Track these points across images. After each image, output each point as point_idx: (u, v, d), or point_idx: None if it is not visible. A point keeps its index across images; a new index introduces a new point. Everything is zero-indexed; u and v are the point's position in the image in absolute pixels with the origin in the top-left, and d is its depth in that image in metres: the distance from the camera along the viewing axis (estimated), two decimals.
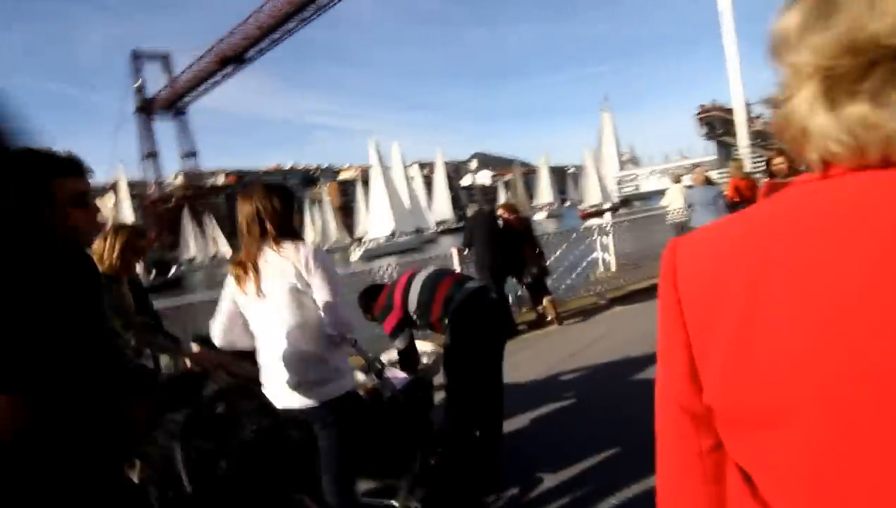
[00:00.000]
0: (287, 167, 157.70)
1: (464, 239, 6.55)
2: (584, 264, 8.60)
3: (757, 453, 0.44)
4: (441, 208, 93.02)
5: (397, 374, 3.06)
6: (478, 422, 3.08)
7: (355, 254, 61.41)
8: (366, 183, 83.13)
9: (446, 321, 2.96)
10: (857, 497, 0.36)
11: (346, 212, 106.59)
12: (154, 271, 66.02)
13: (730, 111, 21.52)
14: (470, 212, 7.98)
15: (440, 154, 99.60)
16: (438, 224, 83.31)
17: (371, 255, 57.45)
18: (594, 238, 8.87)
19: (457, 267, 6.49)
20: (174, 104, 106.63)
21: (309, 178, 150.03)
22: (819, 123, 0.40)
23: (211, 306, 2.72)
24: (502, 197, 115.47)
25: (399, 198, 70.41)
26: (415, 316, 3.08)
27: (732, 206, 6.65)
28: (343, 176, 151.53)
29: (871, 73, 0.37)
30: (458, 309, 2.94)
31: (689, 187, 8.19)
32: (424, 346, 3.53)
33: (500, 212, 6.72)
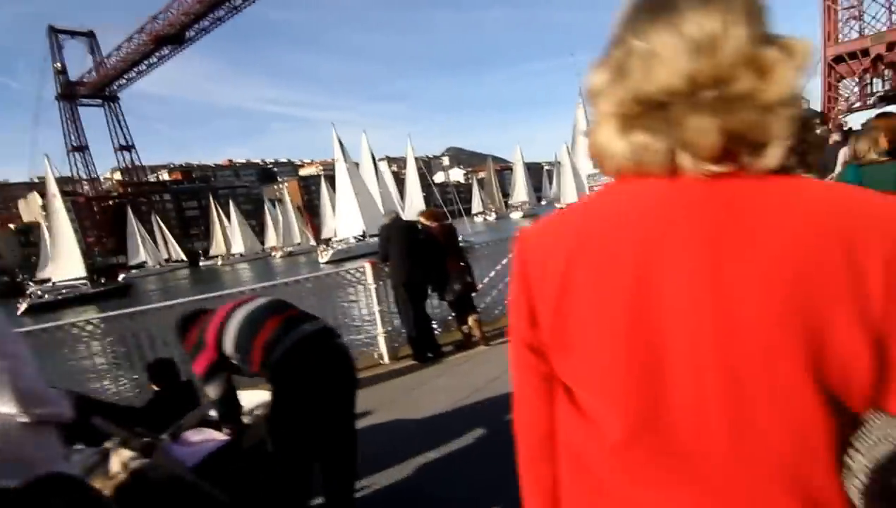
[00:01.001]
0: (241, 161, 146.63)
1: (379, 251, 5.88)
2: None
3: (568, 369, 0.68)
4: (415, 206, 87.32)
5: (212, 437, 2.51)
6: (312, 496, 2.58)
7: (324, 257, 55.78)
8: (331, 179, 78.12)
9: (269, 371, 2.43)
10: (616, 394, 0.62)
11: (311, 211, 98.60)
12: (97, 278, 60.17)
13: None
14: (386, 219, 6.25)
15: (411, 148, 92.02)
16: None
17: (341, 257, 53.32)
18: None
19: (370, 283, 5.97)
20: (103, 89, 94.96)
21: (267, 174, 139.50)
22: (616, 147, 0.62)
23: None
24: (476, 194, 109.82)
25: (369, 195, 64.00)
26: (234, 361, 2.51)
27: None
28: (305, 171, 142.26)
29: (648, 115, 0.60)
30: (285, 357, 2.37)
31: None
32: (259, 395, 2.79)
33: (421, 219, 6.10)
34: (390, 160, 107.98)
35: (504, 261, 6.90)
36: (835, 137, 6.19)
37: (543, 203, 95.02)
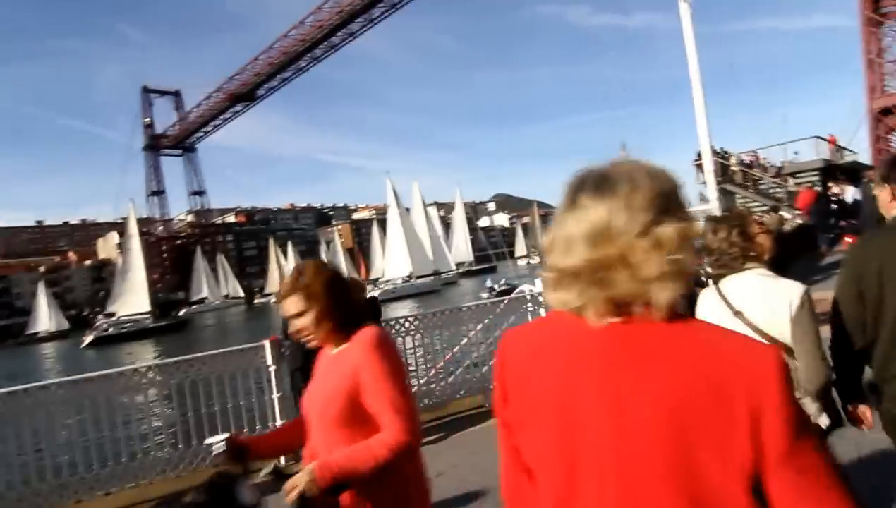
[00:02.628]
0: (302, 205, 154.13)
1: (282, 325, 4.15)
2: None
3: (523, 443, 0.88)
4: (461, 250, 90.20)
5: None
6: None
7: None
8: (382, 223, 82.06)
9: None
10: (550, 469, 0.82)
11: (361, 253, 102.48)
12: (160, 313, 63.64)
13: (726, 156, 19.58)
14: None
15: (459, 194, 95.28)
16: (458, 265, 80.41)
17: (387, 298, 55.54)
18: (526, 308, 6.32)
19: (269, 364, 4.75)
20: (183, 141, 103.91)
21: (323, 217, 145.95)
22: (552, 296, 0.84)
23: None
24: (520, 238, 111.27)
25: (417, 238, 67.27)
26: None
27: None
28: (358, 215, 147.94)
29: (566, 281, 0.80)
30: None
31: None
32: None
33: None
34: (438, 205, 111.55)
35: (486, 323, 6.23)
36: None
37: None
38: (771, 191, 19.48)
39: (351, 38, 77.69)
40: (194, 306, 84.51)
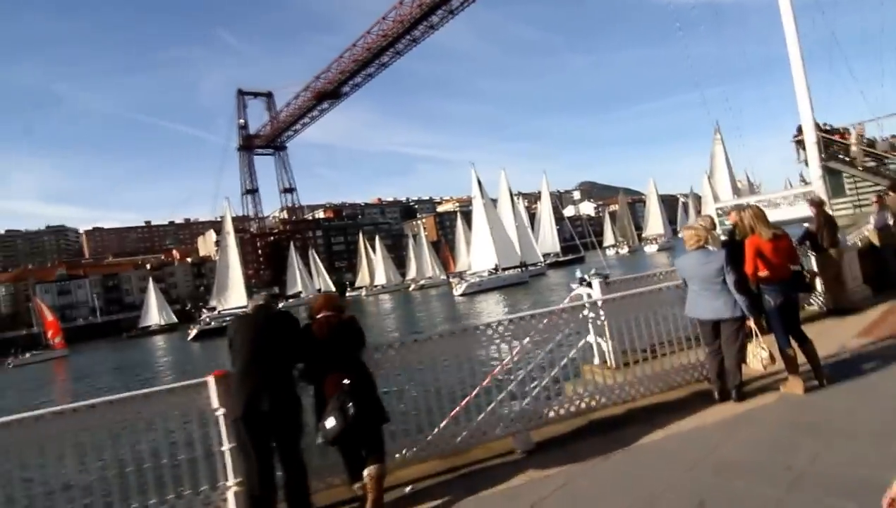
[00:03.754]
0: (389, 200, 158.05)
1: (230, 354, 3.60)
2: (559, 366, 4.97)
3: None
4: (547, 240, 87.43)
5: None
6: None
7: (458, 290, 57.91)
8: (466, 215, 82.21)
9: None
10: None
11: (448, 245, 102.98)
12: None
13: (832, 131, 17.27)
14: (252, 304, 4.02)
15: (545, 183, 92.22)
16: (545, 256, 78.16)
17: (474, 290, 56.26)
18: (586, 317, 4.98)
19: (216, 409, 3.56)
20: (274, 140, 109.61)
21: (408, 211, 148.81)
22: None
23: None
24: (608, 227, 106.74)
25: (503, 230, 66.23)
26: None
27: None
28: (442, 208, 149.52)
29: None
30: None
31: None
32: None
33: (317, 309, 3.87)
34: (523, 196, 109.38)
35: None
36: None
37: (680, 235, 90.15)
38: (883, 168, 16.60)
39: (431, 31, 77.99)
40: (290, 300, 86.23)
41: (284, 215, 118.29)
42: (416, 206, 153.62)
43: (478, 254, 64.81)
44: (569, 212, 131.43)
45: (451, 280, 70.15)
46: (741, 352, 4.35)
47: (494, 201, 69.43)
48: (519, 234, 69.78)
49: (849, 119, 17.49)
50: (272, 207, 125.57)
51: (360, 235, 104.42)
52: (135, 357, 45.62)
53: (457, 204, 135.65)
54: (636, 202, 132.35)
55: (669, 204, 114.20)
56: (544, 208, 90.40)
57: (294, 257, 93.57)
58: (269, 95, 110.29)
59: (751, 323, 4.29)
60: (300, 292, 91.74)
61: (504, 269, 62.11)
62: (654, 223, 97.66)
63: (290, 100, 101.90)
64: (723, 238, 5.72)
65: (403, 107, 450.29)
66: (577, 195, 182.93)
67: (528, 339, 4.59)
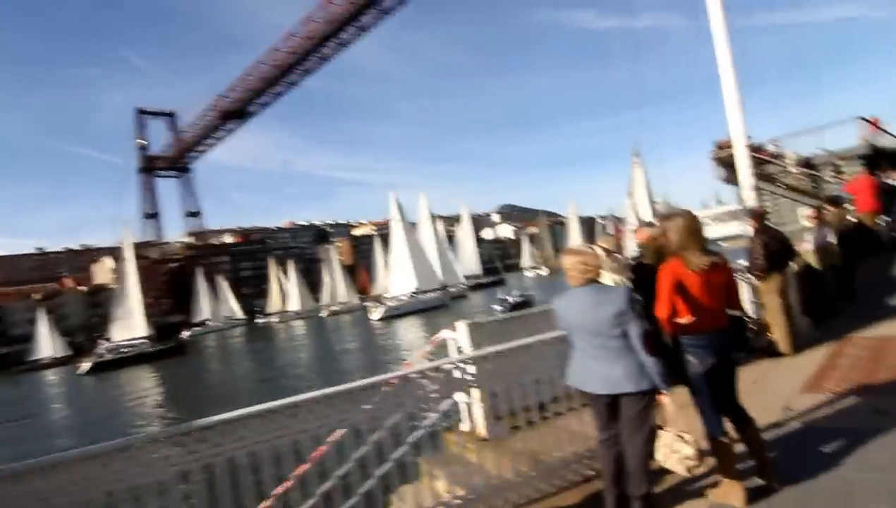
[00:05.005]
0: (302, 223, 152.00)
1: None
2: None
3: None
4: (468, 262, 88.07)
5: None
6: None
7: (375, 314, 55.70)
8: (383, 238, 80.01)
9: None
10: None
11: (361, 270, 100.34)
12: (159, 337, 60.95)
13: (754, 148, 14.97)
14: None
15: (466, 207, 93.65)
16: (468, 278, 78.34)
17: (394, 314, 54.25)
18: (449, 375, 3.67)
19: None
20: (177, 162, 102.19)
21: (322, 235, 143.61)
22: None
23: None
24: (526, 250, 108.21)
25: (422, 252, 64.93)
26: None
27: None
28: (358, 231, 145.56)
29: None
30: None
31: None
32: None
33: None
34: (442, 218, 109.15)
35: None
36: None
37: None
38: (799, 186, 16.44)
39: (343, 48, 75.78)
40: (197, 328, 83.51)
41: (189, 240, 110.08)
42: (331, 230, 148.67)
43: (396, 277, 62.81)
44: (487, 234, 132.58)
45: (366, 304, 68.11)
46: (649, 445, 2.79)
47: (413, 225, 68.19)
48: (440, 257, 68.84)
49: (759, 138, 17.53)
50: (177, 232, 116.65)
51: (272, 260, 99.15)
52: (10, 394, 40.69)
53: (374, 227, 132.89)
54: (556, 224, 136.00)
55: (590, 225, 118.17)
56: (465, 231, 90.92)
57: (201, 283, 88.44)
58: (171, 115, 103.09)
59: (665, 399, 2.71)
60: (207, 319, 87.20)
61: (424, 292, 60.22)
62: (575, 244, 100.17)
63: (193, 121, 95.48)
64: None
65: (322, 129, 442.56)
66: (495, 218, 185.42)
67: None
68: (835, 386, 4.26)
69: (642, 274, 3.69)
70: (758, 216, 6.17)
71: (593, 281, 2.81)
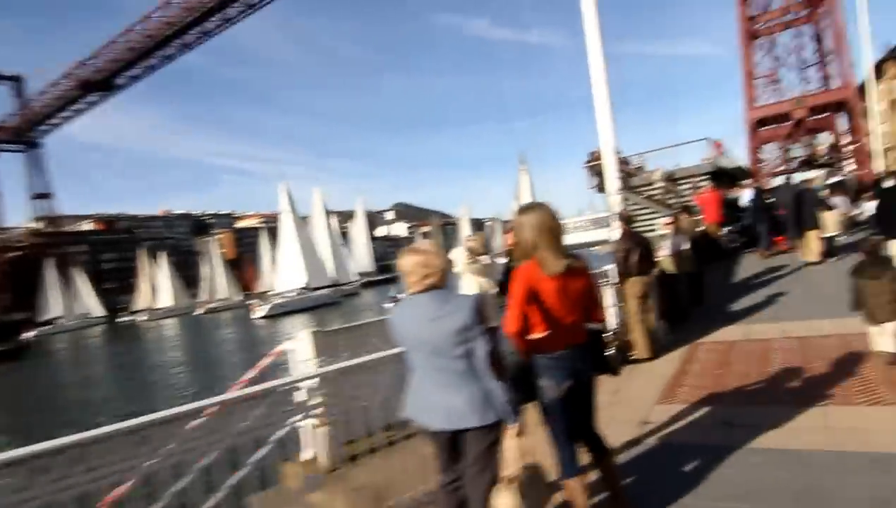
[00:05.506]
0: (180, 212, 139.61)
1: None
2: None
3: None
4: (362, 259, 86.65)
5: None
6: None
7: (258, 312, 52.18)
8: (272, 231, 75.12)
9: None
10: None
11: (245, 265, 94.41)
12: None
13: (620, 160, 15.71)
14: None
15: (361, 203, 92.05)
16: (362, 275, 77.06)
17: (279, 312, 51.11)
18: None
19: None
20: (22, 134, 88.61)
21: (201, 226, 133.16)
22: None
23: None
24: None
25: (313, 248, 62.27)
26: None
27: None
28: (243, 223, 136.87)
29: None
30: None
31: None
32: None
33: None
34: (335, 214, 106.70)
35: None
36: None
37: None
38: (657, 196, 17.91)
39: (227, 24, 70.48)
40: (47, 327, 73.42)
41: (37, 226, 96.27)
42: (212, 221, 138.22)
43: (285, 272, 59.57)
44: (381, 231, 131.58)
45: (249, 301, 63.78)
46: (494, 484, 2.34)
47: (305, 219, 65.34)
48: (332, 253, 66.78)
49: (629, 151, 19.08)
50: (21, 217, 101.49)
51: (140, 251, 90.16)
52: None
53: (261, 219, 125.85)
54: (448, 225, 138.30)
55: (480, 227, 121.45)
56: (359, 227, 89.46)
57: (51, 276, 78.27)
58: (16, 79, 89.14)
59: (510, 433, 2.26)
60: (58, 317, 77.62)
61: (314, 289, 57.82)
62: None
63: (44, 88, 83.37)
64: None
65: (208, 113, 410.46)
66: (390, 215, 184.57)
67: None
68: (688, 396, 4.41)
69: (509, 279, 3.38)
70: (625, 219, 6.43)
71: (435, 286, 2.32)
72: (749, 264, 10.77)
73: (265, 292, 64.66)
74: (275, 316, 50.76)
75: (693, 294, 7.88)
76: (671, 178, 18.35)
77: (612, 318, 6.02)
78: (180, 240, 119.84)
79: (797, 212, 9.65)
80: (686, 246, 7.84)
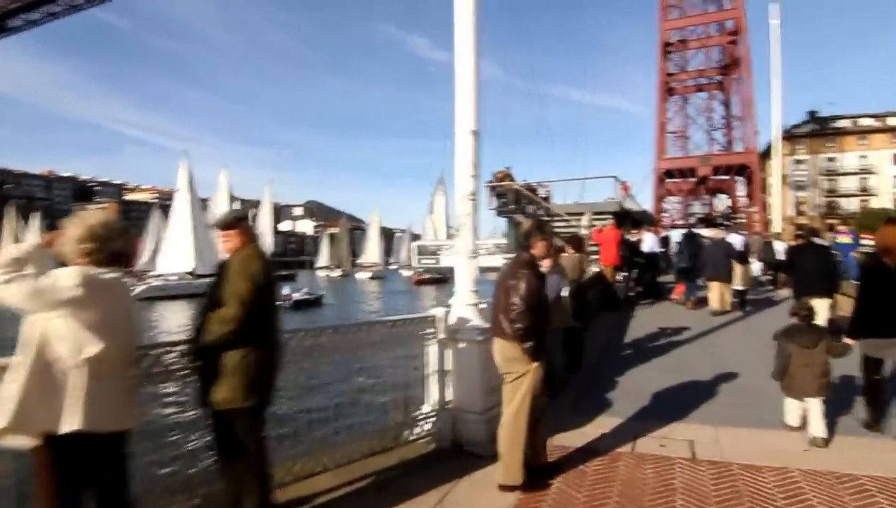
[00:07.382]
0: (62, 175, 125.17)
1: None
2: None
3: None
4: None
5: None
6: None
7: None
8: (165, 208, 68.11)
9: None
10: None
11: (138, 240, 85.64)
12: None
13: (526, 186, 18.42)
14: None
15: (269, 191, 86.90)
16: None
17: (153, 295, 45.98)
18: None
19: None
20: None
21: (85, 192, 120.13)
22: None
23: None
24: (325, 248, 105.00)
25: (208, 233, 54.96)
26: None
27: None
28: (134, 196, 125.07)
29: None
30: None
31: None
32: None
33: None
34: (240, 200, 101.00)
35: None
36: None
37: (393, 267, 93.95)
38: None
39: None
40: None
41: None
42: (98, 188, 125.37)
43: (171, 254, 54.49)
44: (286, 226, 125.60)
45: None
46: None
47: (205, 201, 60.35)
48: None
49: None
50: None
51: (8, 208, 79.52)
52: None
53: (156, 195, 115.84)
54: (356, 229, 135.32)
55: (389, 236, 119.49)
56: (265, 217, 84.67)
57: None
58: None
59: None
60: None
61: (200, 276, 52.55)
62: (372, 251, 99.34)
63: None
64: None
65: (119, 75, 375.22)
66: (298, 211, 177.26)
67: None
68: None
69: None
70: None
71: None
72: (649, 318, 9.71)
73: (144, 272, 58.39)
74: (150, 298, 45.37)
75: (570, 357, 6.22)
76: (573, 211, 17.72)
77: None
78: (58, 203, 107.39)
79: (725, 263, 10.03)
80: (565, 291, 5.68)
